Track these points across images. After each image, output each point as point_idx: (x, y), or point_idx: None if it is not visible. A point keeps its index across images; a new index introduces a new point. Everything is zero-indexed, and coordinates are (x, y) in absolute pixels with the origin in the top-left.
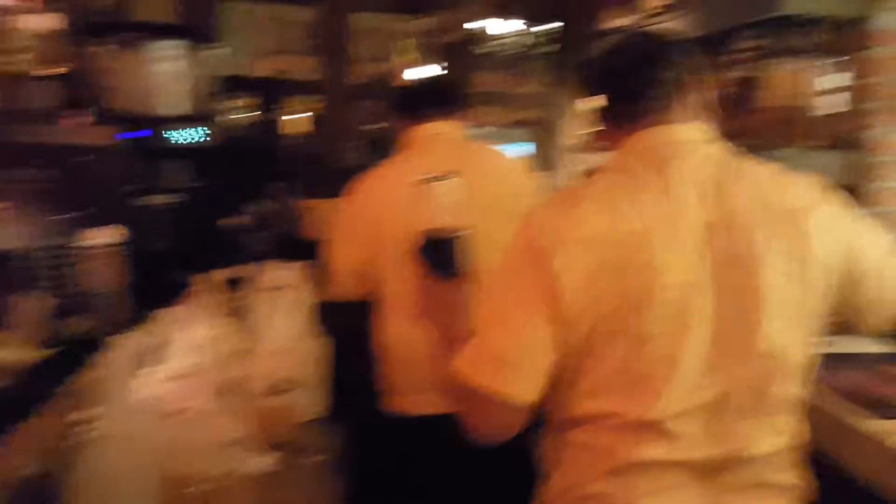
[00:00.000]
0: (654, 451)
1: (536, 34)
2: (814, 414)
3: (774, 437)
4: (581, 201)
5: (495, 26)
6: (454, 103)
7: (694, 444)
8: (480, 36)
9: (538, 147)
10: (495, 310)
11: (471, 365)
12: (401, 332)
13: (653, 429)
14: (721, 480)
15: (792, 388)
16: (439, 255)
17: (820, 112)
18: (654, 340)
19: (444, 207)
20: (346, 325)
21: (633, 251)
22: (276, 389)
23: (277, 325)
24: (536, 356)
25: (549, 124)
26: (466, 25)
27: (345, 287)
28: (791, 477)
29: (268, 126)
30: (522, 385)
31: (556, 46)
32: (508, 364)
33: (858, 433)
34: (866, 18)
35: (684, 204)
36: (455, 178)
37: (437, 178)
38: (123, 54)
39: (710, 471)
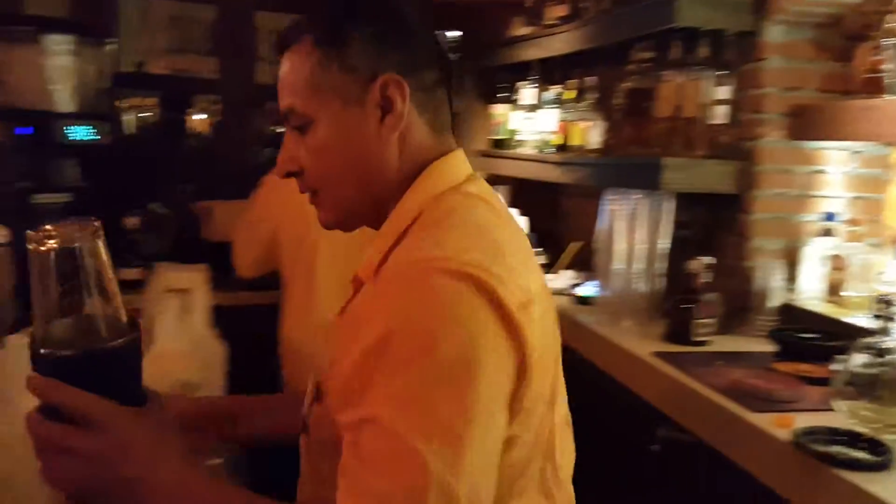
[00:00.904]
0: None
1: None
2: (703, 408)
3: None
4: (498, 243)
5: None
6: None
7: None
8: None
9: None
10: (451, 417)
11: None
12: (297, 335)
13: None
14: None
15: None
16: (96, 377)
17: (709, 122)
18: (555, 401)
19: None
20: (248, 330)
21: (547, 305)
22: (172, 393)
23: (174, 327)
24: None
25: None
26: None
27: (248, 271)
28: None
29: (167, 126)
30: None
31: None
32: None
33: (743, 426)
34: (755, 32)
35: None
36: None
37: (57, 242)
38: (14, 48)
39: None
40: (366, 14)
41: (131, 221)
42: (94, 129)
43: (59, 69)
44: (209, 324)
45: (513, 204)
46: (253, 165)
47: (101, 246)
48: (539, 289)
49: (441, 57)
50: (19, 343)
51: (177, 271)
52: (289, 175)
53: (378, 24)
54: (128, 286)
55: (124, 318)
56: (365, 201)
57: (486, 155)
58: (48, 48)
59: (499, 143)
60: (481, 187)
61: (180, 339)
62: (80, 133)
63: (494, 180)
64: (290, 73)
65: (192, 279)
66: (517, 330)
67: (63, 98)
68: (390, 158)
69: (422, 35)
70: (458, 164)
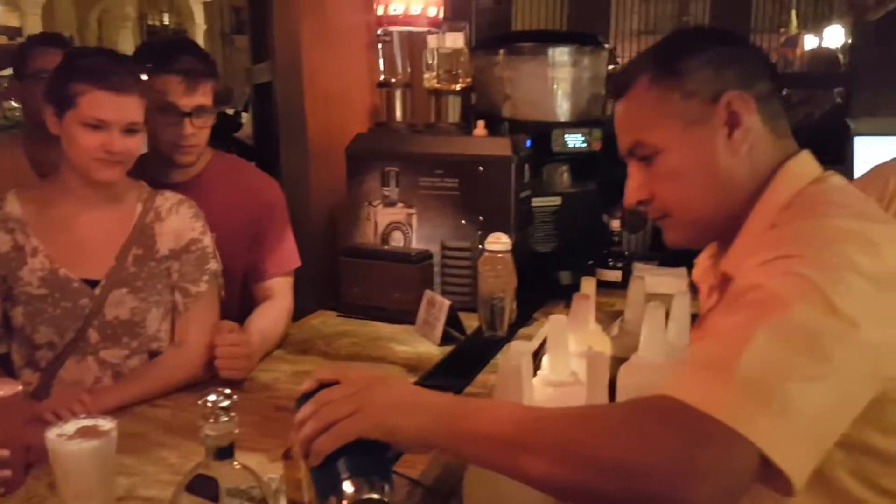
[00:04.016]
0: None
1: None
2: None
3: None
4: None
5: None
6: None
7: None
8: None
9: None
10: None
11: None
12: None
13: None
14: None
15: None
16: None
17: None
18: None
19: None
20: None
21: None
22: None
23: (652, 337)
24: None
25: None
26: None
27: None
28: None
29: None
30: None
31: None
32: None
33: None
34: None
35: None
36: None
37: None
38: (518, 64)
39: None
40: (700, 43)
41: (613, 223)
42: (583, 136)
43: (560, 80)
44: (686, 334)
45: None
46: None
47: None
48: None
49: (769, 64)
50: (521, 348)
51: (657, 275)
52: (639, 203)
53: (712, 49)
54: (608, 286)
55: None
56: (717, 217)
57: None
58: (551, 61)
59: None
60: (842, 180)
61: (658, 350)
62: (574, 140)
63: None
64: (631, 111)
65: (672, 284)
66: None
67: (562, 108)
68: (741, 171)
69: (751, 47)
70: (810, 161)
